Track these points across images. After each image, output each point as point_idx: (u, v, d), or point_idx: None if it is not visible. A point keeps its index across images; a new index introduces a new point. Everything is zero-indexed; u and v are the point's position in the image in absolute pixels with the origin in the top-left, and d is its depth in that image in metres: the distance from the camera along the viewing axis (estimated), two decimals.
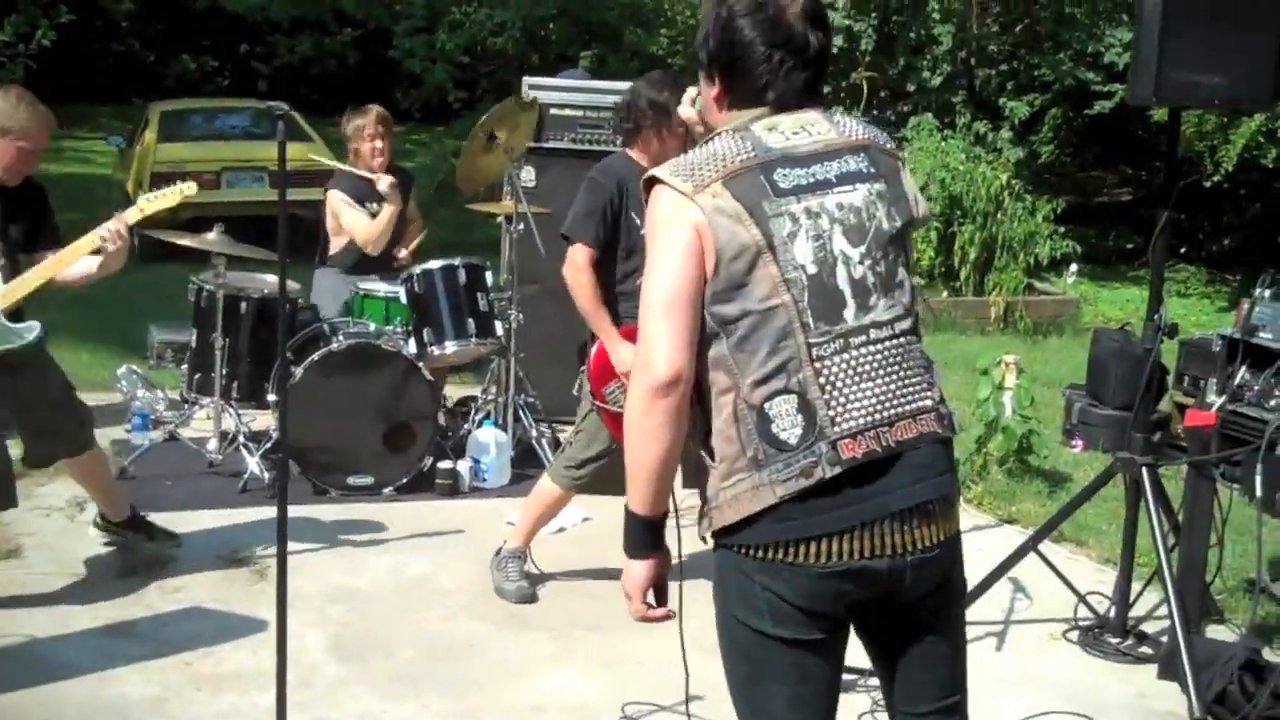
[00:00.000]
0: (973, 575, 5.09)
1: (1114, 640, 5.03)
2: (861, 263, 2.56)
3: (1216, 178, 12.17)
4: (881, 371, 2.55)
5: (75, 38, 19.65)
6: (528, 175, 7.43)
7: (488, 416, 6.92)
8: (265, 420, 6.99)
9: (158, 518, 5.74)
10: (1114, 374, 7.21)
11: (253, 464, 6.33)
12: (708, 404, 2.57)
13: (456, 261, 6.64)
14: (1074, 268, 13.18)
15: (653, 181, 2.61)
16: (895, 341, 2.58)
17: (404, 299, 6.62)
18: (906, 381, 2.58)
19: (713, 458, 2.58)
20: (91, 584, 5.12)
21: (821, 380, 2.50)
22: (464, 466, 6.56)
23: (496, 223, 7.37)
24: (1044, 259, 12.07)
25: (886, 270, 2.59)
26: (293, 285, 6.74)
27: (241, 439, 6.49)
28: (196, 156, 13.24)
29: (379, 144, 6.97)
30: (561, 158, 7.52)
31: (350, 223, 6.93)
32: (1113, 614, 5.09)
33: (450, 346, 6.55)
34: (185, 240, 6.59)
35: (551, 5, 16.51)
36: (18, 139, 4.93)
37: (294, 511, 5.86)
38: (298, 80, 22.45)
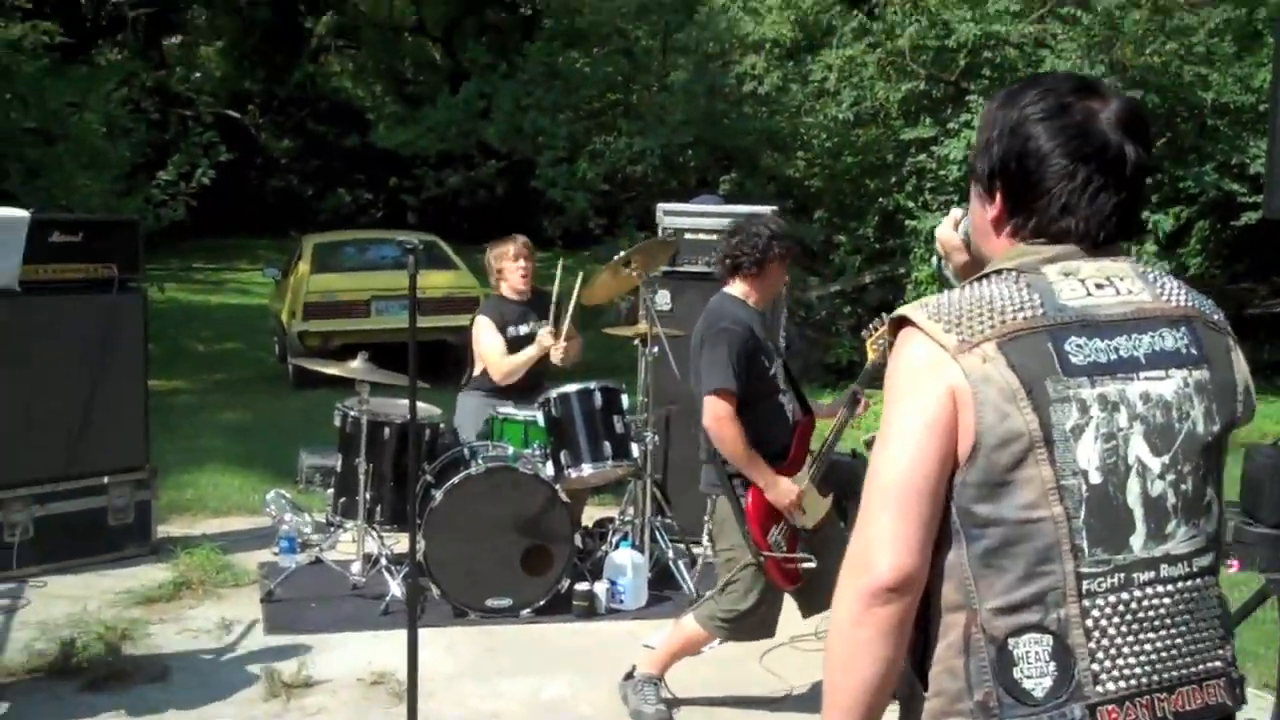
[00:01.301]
0: None
1: None
2: (1162, 477, 2.01)
3: None
4: (1169, 620, 2.01)
5: (236, 174, 20.54)
6: (663, 299, 7.53)
7: (625, 538, 6.95)
8: (408, 543, 7.10)
9: (303, 639, 5.87)
10: (1269, 491, 7.03)
11: (394, 586, 6.42)
12: (931, 620, 2.05)
13: (592, 385, 6.73)
14: None
15: (902, 322, 2.08)
16: (1191, 583, 2.03)
17: (541, 422, 6.72)
18: (1198, 635, 2.03)
19: (925, 686, 2.06)
20: (236, 706, 5.22)
21: (1089, 623, 1.96)
22: (601, 588, 6.58)
23: (634, 345, 7.45)
24: None
25: (1193, 488, 2.03)
26: (434, 410, 6.90)
27: (384, 561, 6.59)
28: (347, 286, 13.67)
29: (524, 264, 7.16)
30: (697, 281, 7.60)
31: (484, 349, 7.07)
32: None
33: (587, 469, 6.62)
34: (330, 368, 6.79)
35: (688, 133, 16.76)
36: None
37: (433, 633, 5.99)
38: (446, 210, 23.09)
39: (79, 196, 12.66)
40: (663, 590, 6.66)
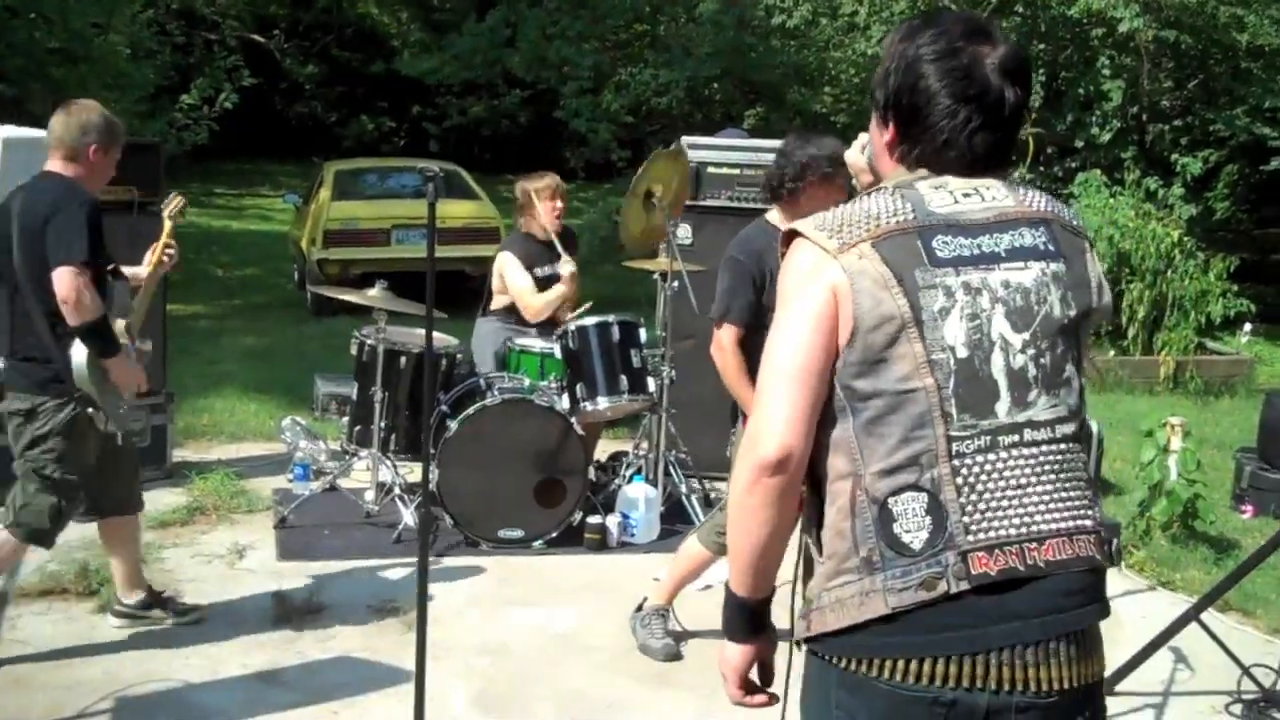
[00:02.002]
0: (1132, 644, 4.96)
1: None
2: (1023, 351, 2.21)
3: None
4: (1036, 479, 2.19)
5: (260, 100, 20.47)
6: (684, 233, 7.47)
7: (638, 472, 6.94)
8: (421, 473, 7.10)
9: (314, 566, 5.90)
10: None
11: (407, 516, 6.43)
12: (822, 490, 2.26)
13: (611, 319, 6.69)
14: (1248, 327, 12.76)
15: (793, 234, 2.32)
16: (1054, 447, 2.22)
17: (558, 354, 6.70)
18: (1064, 495, 2.22)
19: (820, 552, 2.28)
20: (246, 631, 5.23)
21: (959, 480, 2.16)
22: (613, 522, 6.58)
23: (653, 279, 7.41)
24: (1216, 318, 11.69)
25: (1052, 363, 2.23)
26: (451, 340, 6.89)
27: (398, 490, 6.60)
28: (368, 214, 13.62)
29: (559, 205, 7.12)
30: (718, 216, 7.54)
31: (516, 288, 7.04)
32: (1279, 687, 4.89)
33: (603, 402, 6.60)
34: (348, 296, 6.76)
35: (715, 66, 16.63)
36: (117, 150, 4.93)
37: (444, 563, 6.01)
38: (469, 140, 22.98)
39: None
40: (675, 525, 6.65)
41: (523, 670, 5.11)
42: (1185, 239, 11.93)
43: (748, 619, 2.38)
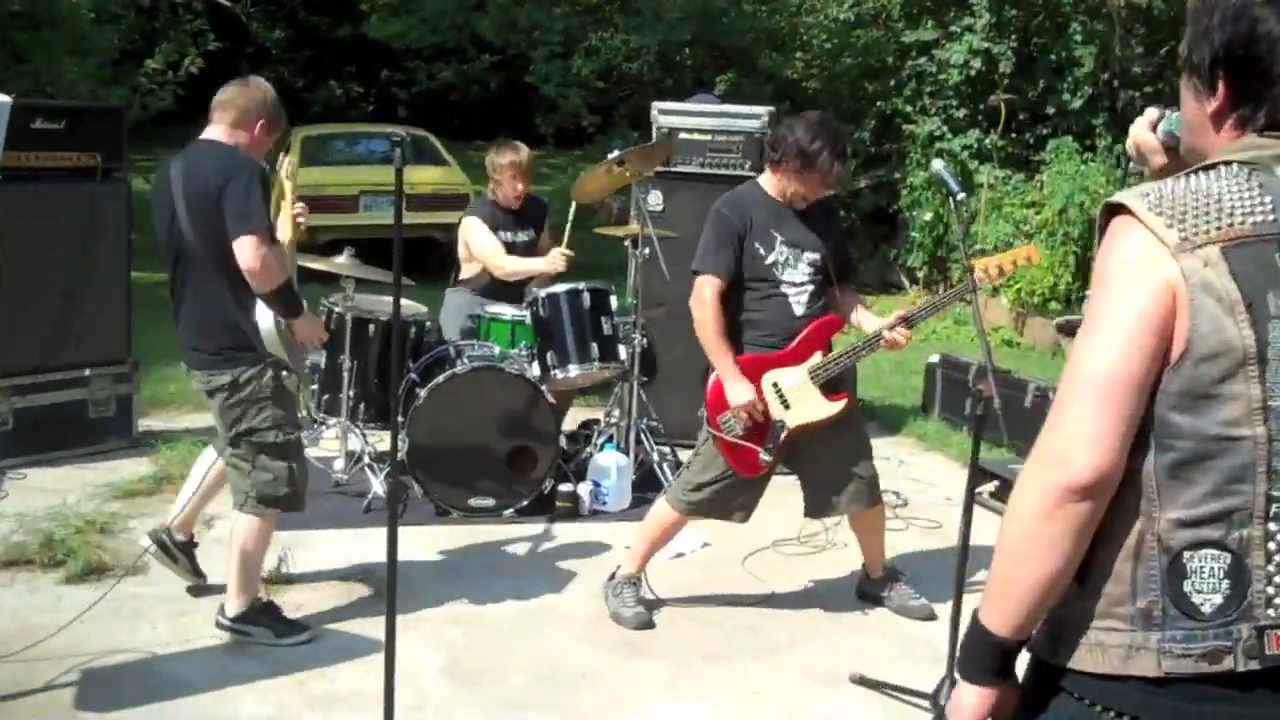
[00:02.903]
0: None
1: None
2: None
3: None
4: None
5: (225, 64, 20.23)
6: (655, 199, 7.42)
7: (610, 440, 6.91)
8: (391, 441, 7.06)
9: (283, 536, 5.83)
10: None
11: (377, 485, 6.39)
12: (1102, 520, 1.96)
13: (581, 286, 6.64)
14: None
15: (1117, 209, 1.97)
16: None
17: (529, 322, 6.65)
18: None
19: (1083, 584, 1.99)
20: (214, 600, 5.18)
21: (1271, 546, 1.88)
22: (585, 489, 6.55)
23: (625, 246, 7.36)
24: None
25: None
26: (420, 307, 6.83)
27: (367, 459, 6.55)
28: (335, 180, 13.51)
29: (520, 186, 7.04)
30: (690, 182, 7.49)
31: (482, 251, 6.98)
32: None
33: (573, 370, 6.56)
34: (316, 264, 6.68)
35: (686, 31, 16.52)
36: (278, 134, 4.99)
37: (415, 532, 5.97)
38: (438, 106, 22.79)
39: (64, 83, 12.48)
40: (646, 493, 6.62)
41: (494, 640, 5.08)
42: None
43: (998, 660, 2.05)
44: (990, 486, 6.48)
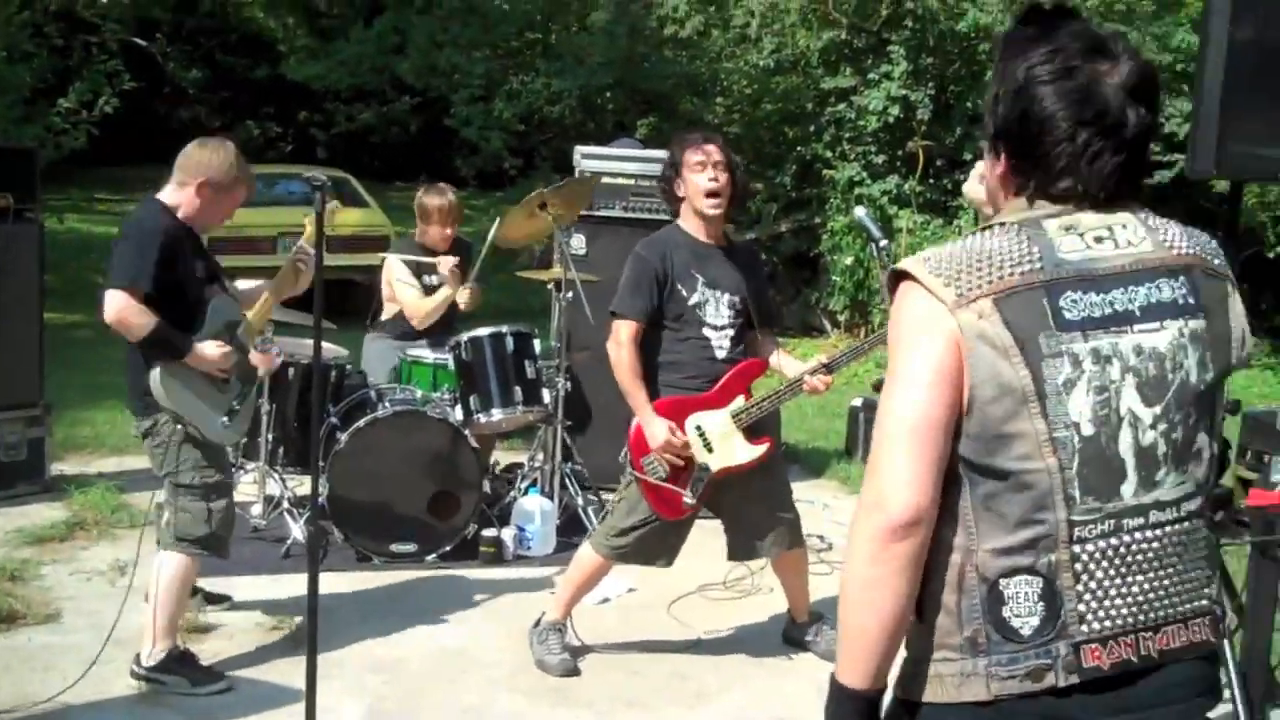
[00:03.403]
0: None
1: None
2: (1154, 427, 2.04)
3: None
4: (1158, 563, 2.05)
5: (142, 105, 20.02)
6: (578, 243, 7.42)
7: (534, 484, 6.86)
8: (311, 486, 6.97)
9: (199, 582, 5.73)
10: None
11: (296, 530, 6.29)
12: (930, 557, 2.08)
13: (504, 329, 6.61)
14: None
15: (901, 276, 2.12)
16: (1179, 526, 2.07)
17: (452, 366, 6.60)
18: (1185, 576, 2.08)
19: (921, 619, 2.11)
20: (129, 650, 5.06)
21: (1078, 567, 2.02)
22: (509, 534, 6.49)
23: (547, 289, 7.33)
24: None
25: (1184, 437, 2.06)
26: (340, 350, 6.76)
27: (286, 504, 6.46)
28: (254, 221, 13.34)
29: (449, 231, 7.01)
30: (612, 226, 7.49)
31: (403, 295, 6.93)
32: None
33: (496, 414, 6.52)
34: None
35: (607, 75, 16.59)
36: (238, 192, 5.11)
37: (336, 578, 5.88)
38: (358, 147, 22.71)
39: None
40: (571, 537, 6.57)
41: (416, 687, 5.00)
42: None
43: (861, 714, 2.12)
44: None
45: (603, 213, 7.55)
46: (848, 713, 2.12)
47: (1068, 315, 2.02)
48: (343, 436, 6.14)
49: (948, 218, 13.89)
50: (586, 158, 7.71)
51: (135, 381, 4.84)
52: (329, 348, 6.61)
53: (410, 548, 6.28)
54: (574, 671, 5.18)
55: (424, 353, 6.84)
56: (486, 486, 6.77)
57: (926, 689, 2.09)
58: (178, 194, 4.92)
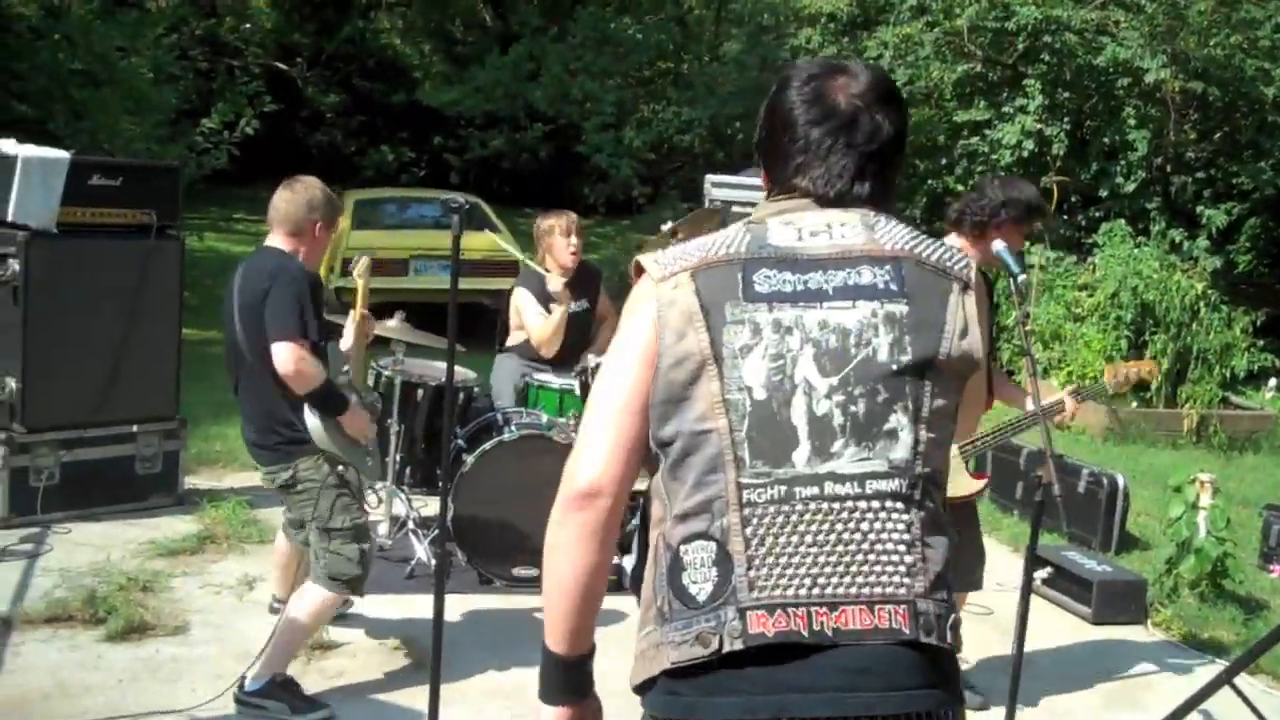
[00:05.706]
0: (1162, 705, 4.82)
1: None
2: (829, 397, 2.05)
3: None
4: (834, 537, 2.02)
5: (281, 127, 20.47)
6: None
7: None
8: (437, 507, 7.00)
9: None
10: None
11: (421, 550, 6.33)
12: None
13: None
14: (1273, 383, 12.65)
15: (640, 269, 2.24)
16: (864, 504, 2.04)
17: (578, 391, 6.60)
18: (871, 558, 2.03)
19: (639, 599, 2.19)
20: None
21: (749, 532, 2.02)
22: (629, 562, 6.46)
23: None
24: (1241, 372, 11.60)
25: (867, 411, 2.06)
26: (469, 373, 6.79)
27: (411, 524, 6.50)
28: (386, 244, 13.54)
29: (574, 240, 7.01)
30: None
31: (530, 322, 6.96)
32: None
33: None
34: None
35: (738, 105, 16.60)
36: (337, 223, 5.23)
37: (458, 600, 5.88)
38: (489, 172, 22.95)
39: (122, 141, 12.60)
40: None
41: (535, 714, 4.97)
42: (1210, 291, 11.83)
43: (564, 678, 2.25)
44: (1044, 573, 6.35)
45: None
46: (550, 677, 2.25)
47: (758, 288, 2.09)
48: (469, 459, 6.16)
49: (1081, 255, 13.63)
50: (717, 186, 7.71)
51: (265, 431, 4.94)
52: (458, 370, 6.64)
53: (533, 572, 6.27)
54: None
55: (550, 378, 6.85)
56: None
57: (637, 668, 2.13)
58: (293, 241, 4.99)
